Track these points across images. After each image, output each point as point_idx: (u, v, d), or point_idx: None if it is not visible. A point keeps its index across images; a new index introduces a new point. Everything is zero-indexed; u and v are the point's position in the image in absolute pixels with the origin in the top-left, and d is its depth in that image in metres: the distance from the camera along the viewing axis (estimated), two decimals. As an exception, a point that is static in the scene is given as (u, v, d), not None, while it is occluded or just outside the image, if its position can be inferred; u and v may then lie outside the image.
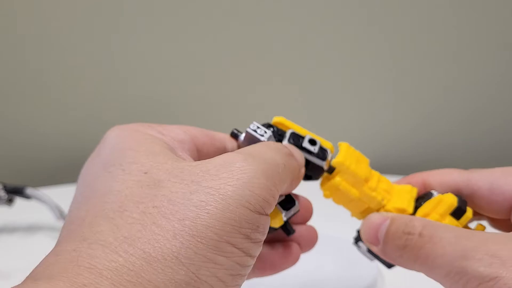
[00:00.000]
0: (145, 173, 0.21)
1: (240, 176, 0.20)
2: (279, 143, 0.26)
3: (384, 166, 0.55)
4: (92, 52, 0.58)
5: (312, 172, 0.28)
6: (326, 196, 0.29)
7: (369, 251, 0.28)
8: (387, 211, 0.28)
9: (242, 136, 0.28)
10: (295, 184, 0.26)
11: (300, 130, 0.29)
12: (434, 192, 0.28)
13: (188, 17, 0.56)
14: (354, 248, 0.30)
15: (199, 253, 0.19)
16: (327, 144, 0.29)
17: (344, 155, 0.28)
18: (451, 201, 0.27)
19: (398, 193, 0.29)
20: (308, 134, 0.28)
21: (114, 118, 0.63)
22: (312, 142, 0.28)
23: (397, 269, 0.28)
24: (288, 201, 0.27)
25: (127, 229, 0.19)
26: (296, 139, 0.28)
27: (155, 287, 0.18)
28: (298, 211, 0.27)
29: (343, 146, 0.29)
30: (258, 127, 0.27)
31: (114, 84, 0.61)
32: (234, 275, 0.20)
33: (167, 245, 0.19)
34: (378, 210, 0.28)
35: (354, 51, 0.58)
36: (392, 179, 0.30)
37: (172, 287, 0.18)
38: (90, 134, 0.64)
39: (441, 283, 0.23)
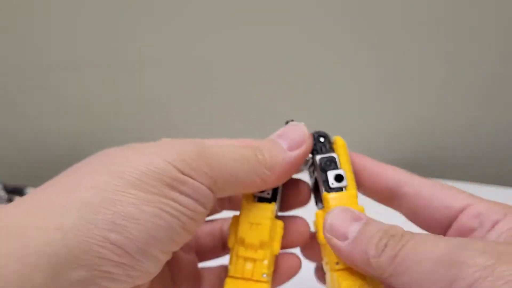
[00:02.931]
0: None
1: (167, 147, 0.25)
2: (250, 148, 0.26)
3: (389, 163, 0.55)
4: (92, 53, 0.58)
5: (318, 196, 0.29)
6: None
7: None
8: None
9: None
10: (258, 182, 0.26)
11: (345, 162, 0.28)
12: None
13: (188, 18, 0.56)
14: None
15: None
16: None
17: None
18: None
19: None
20: (342, 169, 0.27)
21: (114, 118, 0.63)
22: (339, 178, 0.27)
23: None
24: (273, 195, 0.28)
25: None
26: (325, 165, 0.27)
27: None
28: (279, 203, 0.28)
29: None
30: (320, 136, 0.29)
31: (114, 85, 0.60)
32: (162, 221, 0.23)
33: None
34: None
35: (357, 51, 0.58)
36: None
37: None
38: (90, 134, 0.64)
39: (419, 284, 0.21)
